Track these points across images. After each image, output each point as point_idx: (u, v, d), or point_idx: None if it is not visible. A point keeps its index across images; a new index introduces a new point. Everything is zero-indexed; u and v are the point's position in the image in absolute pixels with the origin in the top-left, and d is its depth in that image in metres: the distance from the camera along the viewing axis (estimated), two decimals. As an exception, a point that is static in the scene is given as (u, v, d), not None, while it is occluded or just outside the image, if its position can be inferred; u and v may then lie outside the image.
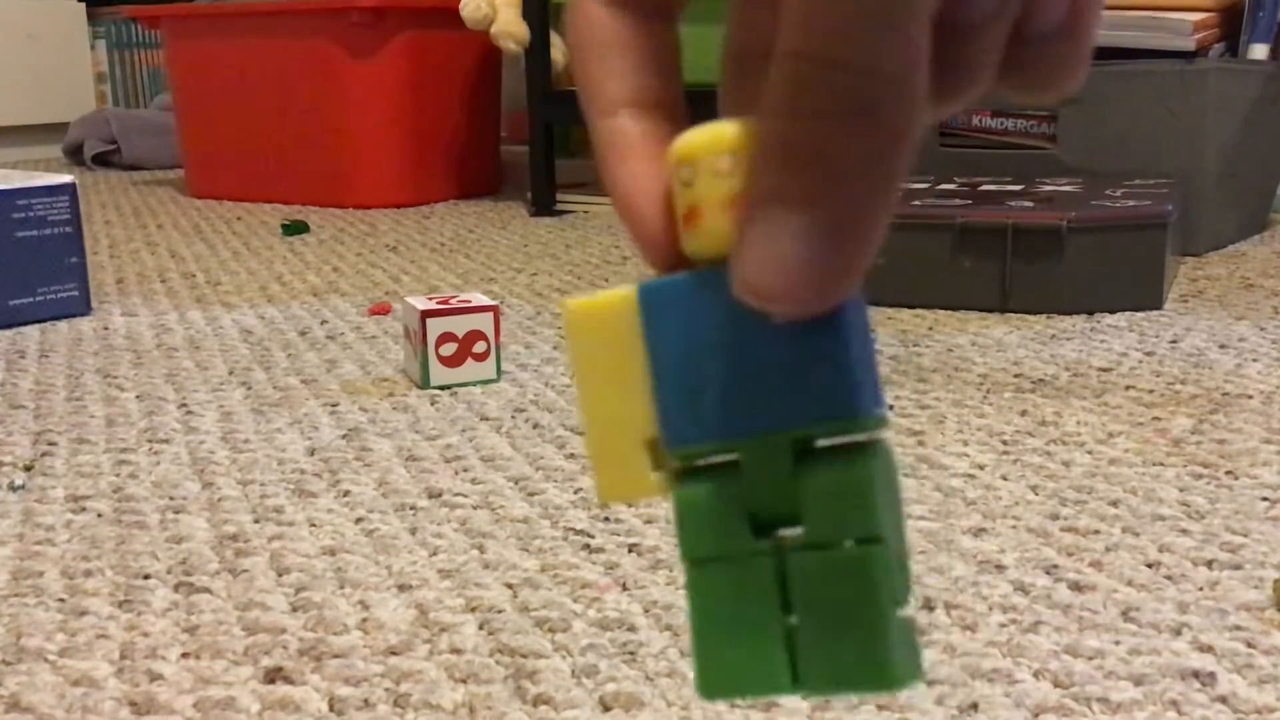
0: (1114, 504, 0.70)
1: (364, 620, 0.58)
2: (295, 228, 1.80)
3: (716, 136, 0.21)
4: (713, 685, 0.22)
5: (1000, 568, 0.62)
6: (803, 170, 0.19)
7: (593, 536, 0.67)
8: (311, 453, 0.82)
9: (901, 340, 1.09)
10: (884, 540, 0.21)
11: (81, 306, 1.26)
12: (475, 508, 0.72)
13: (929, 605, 0.58)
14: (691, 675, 0.23)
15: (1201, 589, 0.60)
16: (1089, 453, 0.79)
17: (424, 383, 0.96)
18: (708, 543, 0.22)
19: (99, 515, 0.72)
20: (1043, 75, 0.23)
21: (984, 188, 1.35)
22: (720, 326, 0.21)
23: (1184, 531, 0.66)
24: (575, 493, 0.74)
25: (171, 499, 0.74)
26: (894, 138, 0.19)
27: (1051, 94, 0.23)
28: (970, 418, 0.87)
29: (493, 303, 0.98)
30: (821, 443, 0.21)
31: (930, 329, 1.13)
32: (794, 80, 0.19)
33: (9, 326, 1.20)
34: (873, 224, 0.19)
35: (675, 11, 0.23)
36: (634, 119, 0.23)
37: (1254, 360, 1.00)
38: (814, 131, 0.19)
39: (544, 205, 1.97)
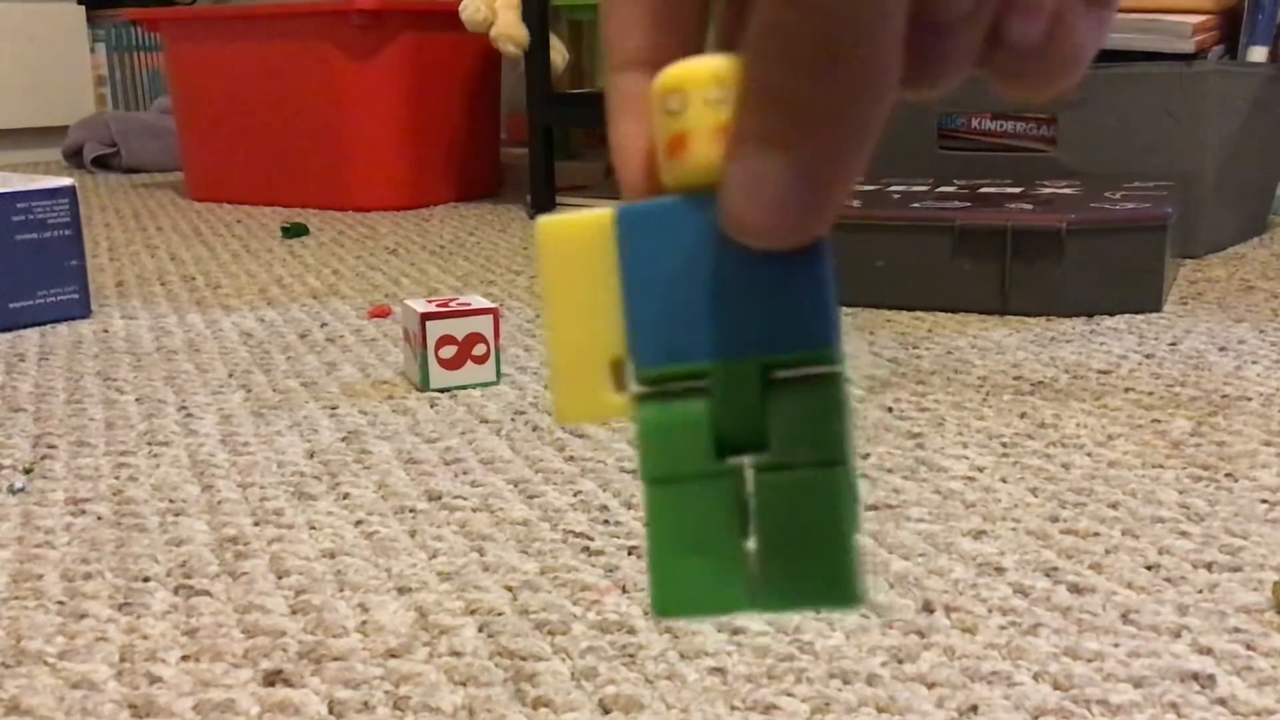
0: (1113, 506, 0.70)
1: (364, 623, 0.58)
2: (295, 230, 1.80)
3: (709, 67, 0.21)
4: (669, 604, 0.22)
5: (1000, 570, 0.62)
6: (779, 114, 0.20)
7: (592, 539, 0.67)
8: (311, 455, 0.82)
9: (901, 342, 1.09)
10: (847, 463, 0.22)
11: (81, 309, 1.26)
12: (475, 510, 0.72)
13: (928, 608, 0.58)
14: (651, 597, 0.23)
15: (1201, 591, 0.60)
16: (1088, 455, 0.79)
17: (423, 385, 0.96)
18: (670, 462, 0.22)
19: (99, 518, 0.72)
20: (1021, 80, 0.23)
21: (983, 190, 1.35)
22: (699, 252, 0.22)
23: (1183, 534, 0.66)
24: (575, 495, 0.74)
25: (171, 501, 0.74)
26: (865, 87, 0.19)
27: (1034, 96, 0.24)
28: (970, 420, 0.87)
29: (492, 305, 0.98)
30: (782, 374, 0.22)
31: (930, 331, 1.13)
32: (774, 25, 0.19)
33: (9, 329, 1.20)
34: (847, 168, 0.20)
35: None
36: (639, 79, 0.23)
37: (1253, 362, 1.00)
38: (789, 76, 0.19)
39: (543, 207, 1.97)
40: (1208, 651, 0.54)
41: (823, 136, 0.19)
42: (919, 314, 1.20)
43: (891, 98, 0.20)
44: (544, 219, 0.23)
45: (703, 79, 0.21)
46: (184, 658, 0.55)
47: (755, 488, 0.22)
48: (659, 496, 0.22)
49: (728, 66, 0.21)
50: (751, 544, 0.22)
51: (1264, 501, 0.71)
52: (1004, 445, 0.81)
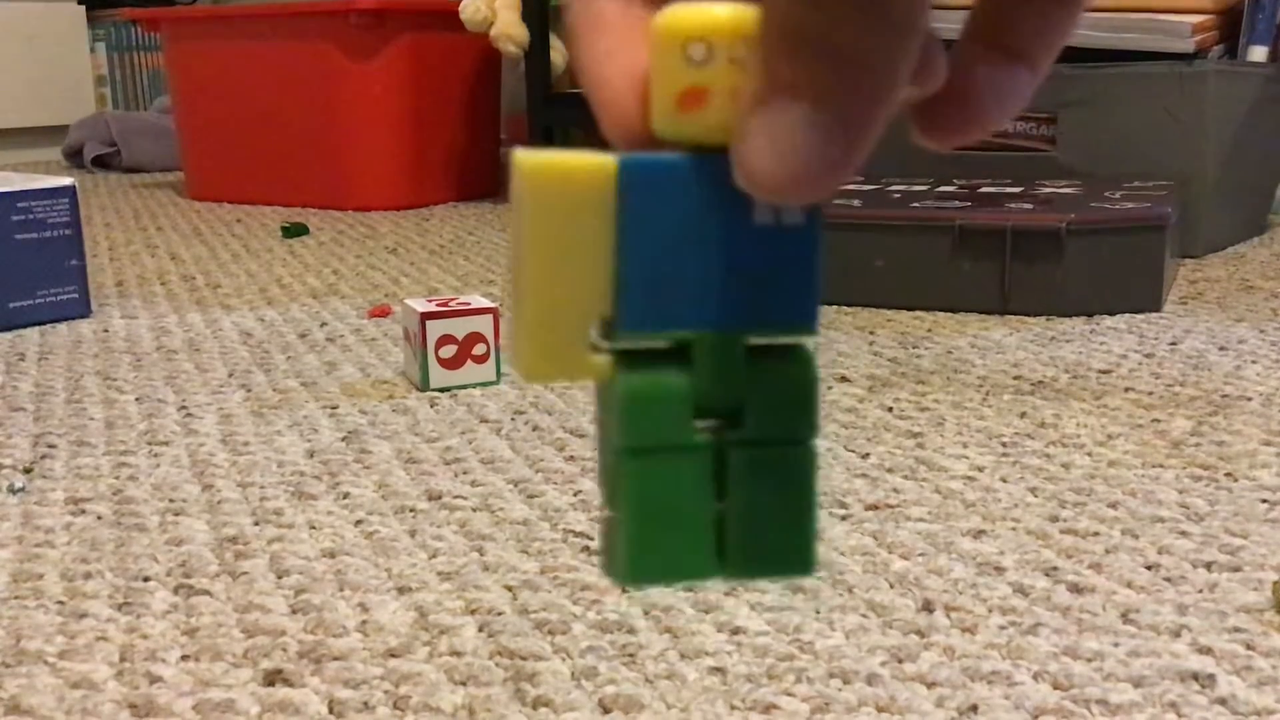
0: (1113, 506, 0.70)
1: (364, 622, 0.58)
2: (295, 230, 1.80)
3: (737, 19, 0.20)
4: (641, 571, 0.22)
5: (999, 570, 0.62)
6: (812, 60, 0.19)
7: (592, 539, 0.67)
8: (311, 455, 0.82)
9: (901, 342, 1.09)
10: (816, 437, 0.22)
11: (81, 309, 1.26)
12: (475, 510, 0.72)
13: (928, 607, 0.58)
14: (619, 565, 0.22)
15: (1201, 591, 0.60)
16: (1088, 455, 0.79)
17: (423, 385, 0.96)
18: (651, 433, 0.22)
19: (99, 518, 0.72)
20: (921, 128, 0.23)
21: (983, 190, 1.35)
22: (703, 217, 0.21)
23: (1183, 534, 0.66)
24: (575, 495, 0.74)
25: (171, 501, 0.74)
26: (902, 33, 0.19)
27: (938, 145, 0.24)
28: (969, 420, 0.87)
29: (492, 305, 0.98)
30: (758, 342, 0.22)
31: (929, 331, 1.13)
32: None
33: (9, 329, 1.20)
34: (875, 119, 0.19)
35: None
36: (622, 4, 0.22)
37: (1253, 362, 1.00)
38: (825, 19, 0.19)
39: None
40: (1208, 651, 0.54)
41: (856, 84, 0.19)
42: (919, 314, 1.20)
43: (918, 48, 0.19)
44: (525, 154, 0.21)
45: (731, 33, 0.20)
46: (184, 657, 0.55)
47: (731, 460, 0.22)
48: (637, 466, 0.22)
49: (751, 20, 0.20)
50: (721, 514, 0.22)
51: (1264, 501, 0.71)
52: (1004, 445, 0.81)
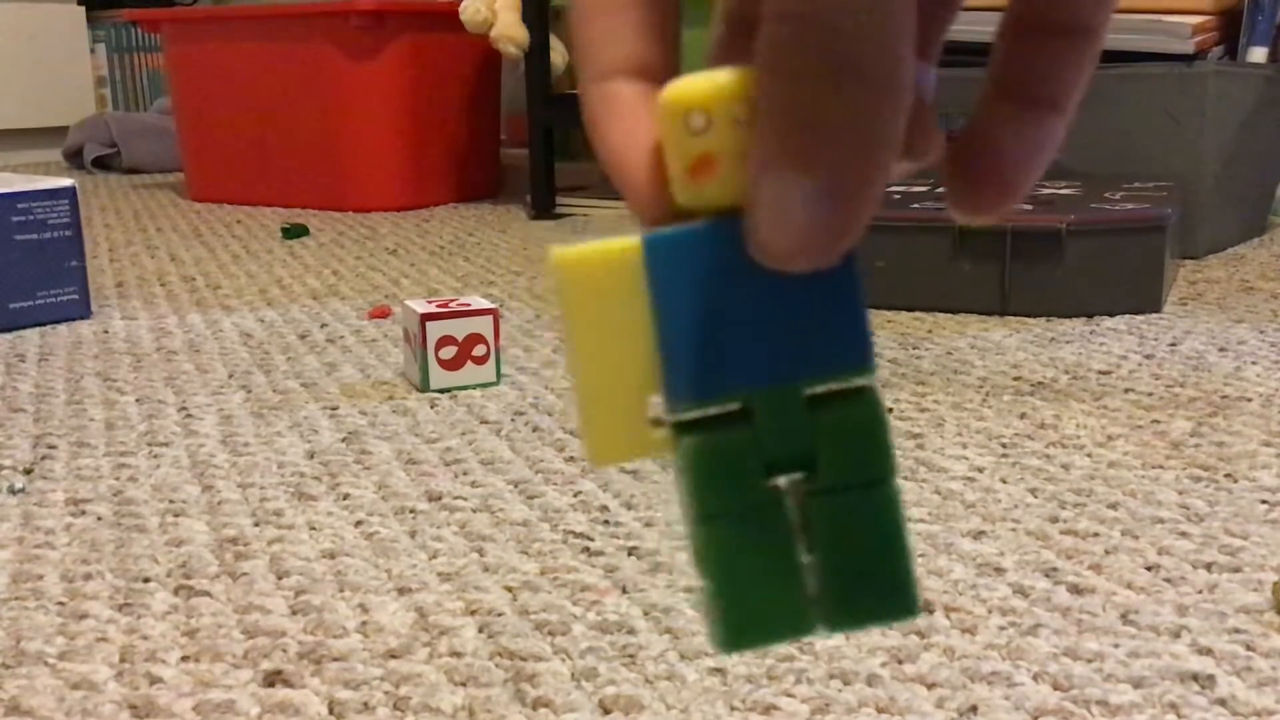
0: (1113, 507, 0.70)
1: (364, 623, 0.58)
2: (295, 231, 1.80)
3: (730, 84, 0.20)
4: (738, 636, 0.22)
5: (999, 570, 0.62)
6: (797, 133, 0.19)
7: (592, 540, 0.67)
8: (311, 456, 0.82)
9: (901, 343, 1.09)
10: (894, 476, 0.22)
11: (81, 310, 1.26)
12: (475, 511, 0.72)
13: (928, 608, 0.58)
14: (716, 633, 0.22)
15: (1201, 592, 0.60)
16: (1088, 455, 0.79)
17: (423, 386, 0.96)
18: (722, 496, 0.22)
19: (99, 518, 0.72)
20: (953, 200, 0.24)
21: (983, 191, 1.35)
22: (732, 278, 0.21)
23: (1183, 534, 0.66)
24: (575, 496, 0.74)
25: (171, 502, 0.74)
26: (883, 96, 0.19)
27: (977, 217, 0.24)
28: (969, 420, 0.87)
29: (492, 306, 0.98)
30: (820, 390, 0.22)
31: (929, 332, 1.13)
32: (780, 42, 0.19)
33: (9, 330, 1.20)
34: (872, 182, 0.19)
35: None
36: (628, 84, 0.22)
37: (1253, 363, 1.00)
38: (804, 92, 0.19)
39: (543, 208, 1.97)
40: (1207, 652, 0.54)
41: (844, 154, 0.19)
42: (919, 314, 1.20)
43: (908, 109, 0.19)
44: (560, 250, 0.22)
45: (726, 97, 0.20)
46: (184, 658, 0.55)
47: (810, 511, 0.22)
48: (713, 532, 0.22)
49: (747, 83, 0.20)
50: (809, 566, 0.22)
51: (1264, 502, 0.71)
52: (1004, 446, 0.81)
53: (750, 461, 0.22)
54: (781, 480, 0.22)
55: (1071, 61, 0.23)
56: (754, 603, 0.22)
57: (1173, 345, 1.06)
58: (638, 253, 0.21)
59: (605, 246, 0.22)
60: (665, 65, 0.23)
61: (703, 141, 0.21)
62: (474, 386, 0.97)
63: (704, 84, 0.20)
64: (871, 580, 0.22)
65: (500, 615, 0.59)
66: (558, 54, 2.10)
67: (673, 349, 0.21)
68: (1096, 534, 0.67)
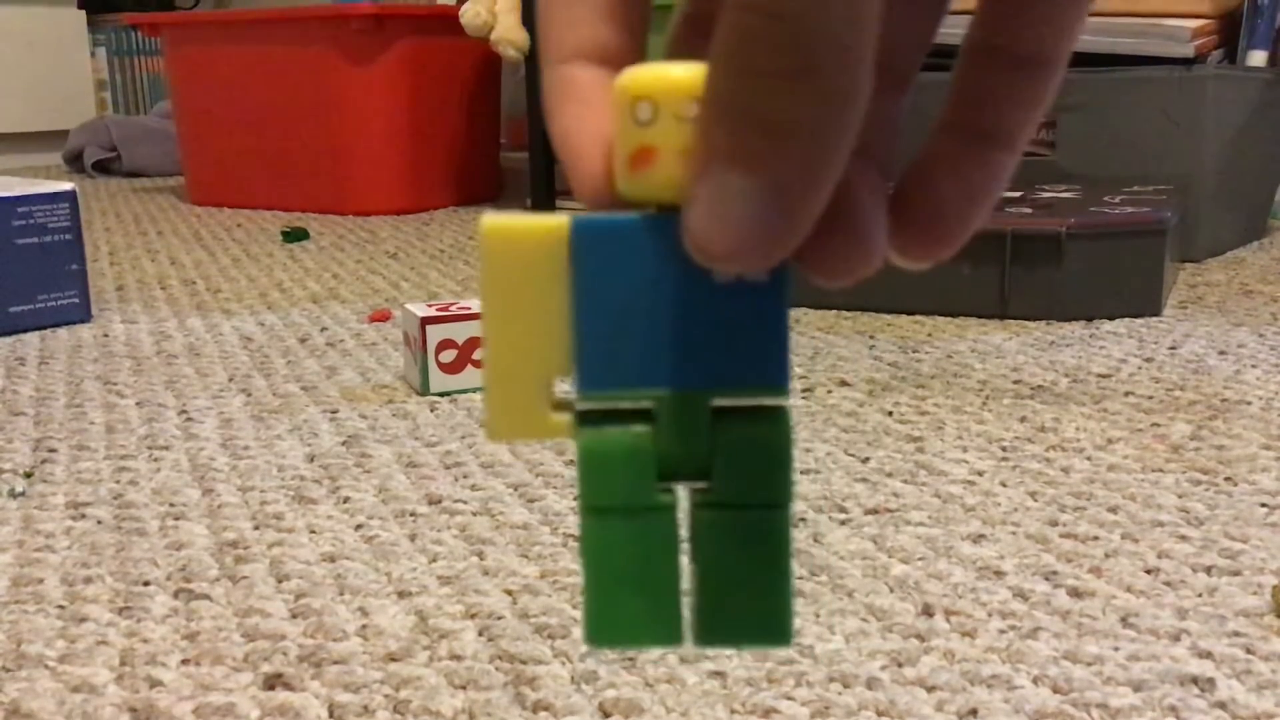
0: (1113, 510, 0.70)
1: (364, 627, 0.58)
2: (295, 234, 1.80)
3: (682, 79, 0.20)
4: (603, 634, 0.22)
5: (999, 574, 0.62)
6: (746, 130, 0.19)
7: (592, 543, 0.67)
8: (311, 459, 0.82)
9: (900, 346, 1.09)
10: (790, 504, 0.21)
11: (81, 313, 1.26)
12: (475, 514, 0.72)
13: (928, 611, 0.58)
14: (583, 624, 0.22)
15: (1200, 595, 0.60)
16: (1088, 459, 0.79)
17: (424, 389, 0.96)
18: (612, 492, 0.21)
19: (99, 522, 0.72)
20: (897, 244, 0.23)
21: (983, 194, 1.35)
22: (657, 275, 0.21)
23: (1183, 538, 0.66)
24: (575, 499, 0.74)
25: (171, 506, 0.74)
26: (837, 102, 0.18)
27: (917, 261, 0.24)
28: (969, 424, 0.87)
29: (492, 309, 0.98)
30: (724, 401, 0.21)
31: (929, 335, 1.13)
32: (739, 33, 0.18)
33: (9, 333, 1.20)
34: (817, 188, 0.19)
35: None
36: (585, 69, 0.22)
37: (1253, 366, 1.00)
38: (757, 90, 0.18)
39: (544, 211, 1.97)
40: (1207, 655, 0.54)
41: (794, 156, 0.19)
42: (919, 318, 1.21)
43: (863, 114, 0.19)
44: (490, 218, 0.22)
45: (676, 92, 0.20)
46: (184, 661, 0.55)
47: (697, 523, 0.22)
48: (598, 525, 0.22)
49: (699, 79, 0.20)
50: (688, 577, 0.22)
51: (1264, 505, 0.71)
52: (1004, 449, 0.81)
53: (646, 462, 0.21)
54: (680, 486, 0.22)
55: (1029, 95, 0.23)
56: (624, 602, 0.22)
57: (1172, 349, 1.06)
58: (564, 234, 0.21)
59: (535, 222, 0.21)
60: (627, 51, 0.22)
61: (646, 133, 0.20)
62: (474, 390, 0.97)
63: (655, 75, 0.20)
64: (747, 602, 0.21)
65: (500, 618, 0.59)
66: (558, 57, 2.10)
67: (585, 336, 0.21)
68: (1096, 537, 0.67)
